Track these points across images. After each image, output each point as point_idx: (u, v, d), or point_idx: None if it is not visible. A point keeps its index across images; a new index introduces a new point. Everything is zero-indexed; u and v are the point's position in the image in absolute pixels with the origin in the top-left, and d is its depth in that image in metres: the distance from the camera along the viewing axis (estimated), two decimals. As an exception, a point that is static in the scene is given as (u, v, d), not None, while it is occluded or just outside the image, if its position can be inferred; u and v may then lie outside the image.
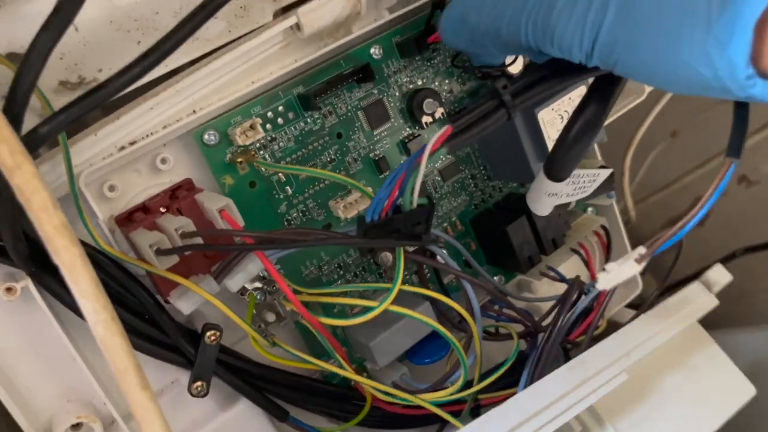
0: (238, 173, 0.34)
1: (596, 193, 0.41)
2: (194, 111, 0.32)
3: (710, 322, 0.38)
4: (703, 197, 0.30)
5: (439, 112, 0.39)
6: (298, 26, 0.33)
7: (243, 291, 0.33)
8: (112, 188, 0.32)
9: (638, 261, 0.32)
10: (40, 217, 0.21)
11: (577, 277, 0.39)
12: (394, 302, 0.32)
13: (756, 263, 0.60)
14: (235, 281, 0.31)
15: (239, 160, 0.34)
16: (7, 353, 0.31)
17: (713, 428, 0.36)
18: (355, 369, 0.36)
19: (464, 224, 0.43)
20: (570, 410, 0.32)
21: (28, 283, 0.30)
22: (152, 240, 0.28)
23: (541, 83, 0.31)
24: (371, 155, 0.38)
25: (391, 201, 0.30)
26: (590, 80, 0.32)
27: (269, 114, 0.35)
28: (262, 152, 0.35)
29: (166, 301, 0.33)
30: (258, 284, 0.34)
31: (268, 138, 0.35)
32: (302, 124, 0.36)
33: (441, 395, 0.35)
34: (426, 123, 0.39)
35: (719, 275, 0.38)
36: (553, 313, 0.39)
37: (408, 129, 0.39)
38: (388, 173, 0.39)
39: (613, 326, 0.41)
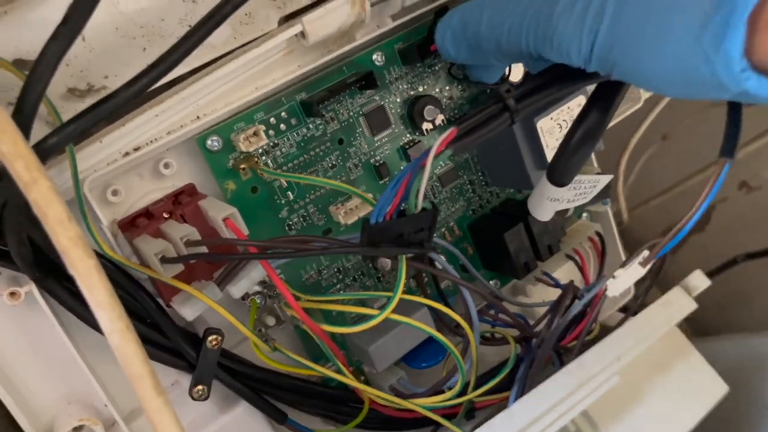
0: (240, 179, 0.35)
1: (592, 199, 0.42)
2: (198, 117, 0.32)
3: (711, 329, 0.39)
4: (701, 197, 0.31)
5: (440, 118, 0.39)
6: (303, 34, 0.33)
7: (245, 296, 0.33)
8: (115, 192, 0.32)
9: (643, 264, 0.33)
10: (56, 229, 0.21)
11: (571, 282, 0.40)
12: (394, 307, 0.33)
13: (758, 269, 0.61)
14: (239, 288, 0.31)
15: (242, 166, 0.34)
16: (10, 356, 0.31)
17: (691, 424, 0.38)
18: (353, 372, 0.37)
19: (462, 229, 0.43)
20: (570, 412, 0.33)
21: (32, 287, 0.30)
22: (158, 248, 0.29)
23: (543, 89, 0.32)
24: (372, 161, 0.39)
25: (396, 203, 0.31)
26: (591, 89, 0.33)
27: (272, 120, 0.35)
28: (264, 158, 0.35)
29: (168, 305, 0.33)
30: (259, 288, 0.35)
31: (271, 144, 0.35)
32: (304, 130, 0.36)
33: (438, 400, 0.35)
34: (426, 129, 0.39)
35: (698, 280, 0.39)
36: (547, 318, 0.40)
37: (408, 135, 0.40)
38: (388, 179, 0.39)
39: (606, 330, 0.42)
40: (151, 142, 0.31)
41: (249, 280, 0.31)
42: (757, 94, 0.22)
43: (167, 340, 0.33)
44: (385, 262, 0.40)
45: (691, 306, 0.39)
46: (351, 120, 0.38)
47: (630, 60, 0.25)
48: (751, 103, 0.24)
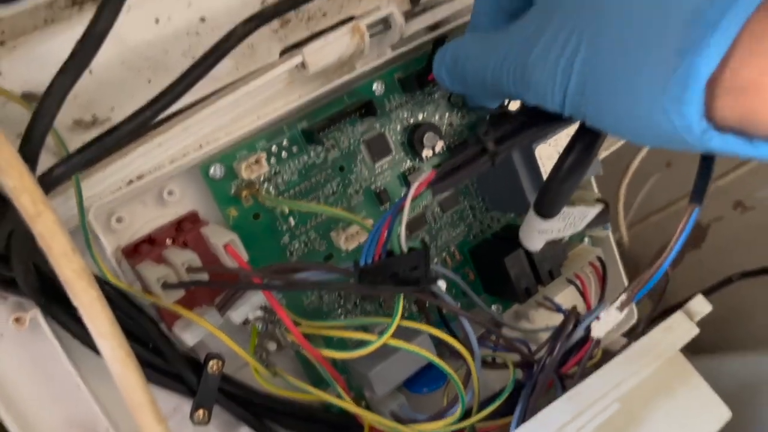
0: (242, 205, 0.35)
1: (592, 224, 0.42)
2: (201, 146, 0.33)
3: (706, 346, 0.40)
4: (670, 243, 0.31)
5: (440, 145, 0.40)
6: (303, 65, 0.33)
7: (246, 321, 0.34)
8: (119, 220, 0.33)
9: (620, 308, 0.34)
10: (60, 261, 0.22)
11: (574, 307, 0.40)
12: (393, 333, 0.33)
13: (752, 288, 0.61)
14: (239, 313, 0.32)
15: (244, 193, 0.35)
16: (15, 380, 0.31)
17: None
18: (354, 397, 0.37)
19: (463, 254, 0.44)
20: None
21: (37, 313, 0.30)
22: (159, 274, 0.29)
23: (522, 130, 0.32)
24: (372, 187, 0.39)
25: (380, 244, 0.31)
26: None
27: (273, 148, 0.36)
28: (266, 185, 0.36)
29: (170, 330, 0.33)
30: (260, 313, 0.35)
31: (273, 171, 0.36)
32: (305, 157, 0.37)
33: (439, 426, 0.35)
34: (426, 156, 0.40)
35: (700, 305, 0.40)
36: (549, 344, 0.40)
37: (409, 162, 0.40)
38: (389, 205, 0.40)
39: (608, 355, 0.42)
40: (155, 170, 0.32)
41: (249, 305, 0.32)
42: (723, 151, 0.22)
43: (169, 365, 0.33)
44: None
45: (693, 331, 0.39)
46: (352, 147, 0.38)
47: (599, 112, 0.25)
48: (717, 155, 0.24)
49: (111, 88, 0.31)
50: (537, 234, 0.36)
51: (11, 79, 0.29)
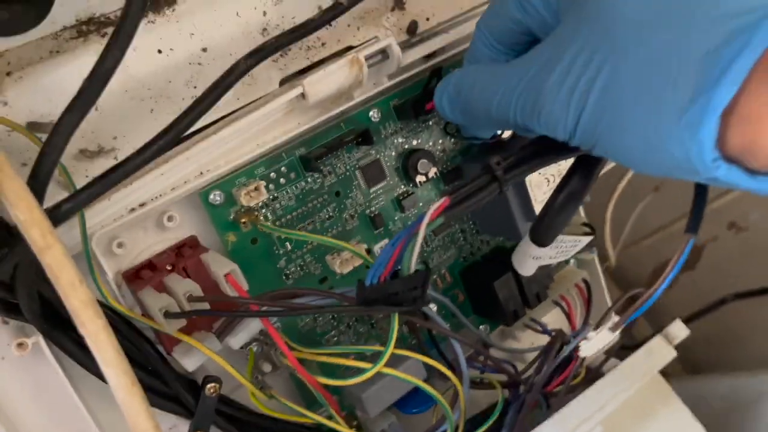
0: (240, 231, 0.36)
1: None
2: (201, 173, 0.34)
3: (702, 366, 0.41)
4: (665, 271, 0.33)
5: (432, 171, 0.41)
6: (303, 95, 0.34)
7: (243, 346, 0.35)
8: (120, 245, 0.34)
9: (612, 329, 0.35)
10: (67, 292, 0.23)
11: (560, 330, 0.42)
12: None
13: (746, 309, 0.63)
14: (237, 340, 0.33)
15: (243, 219, 0.35)
16: (16, 404, 0.32)
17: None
18: (346, 416, 0.38)
19: (453, 276, 0.45)
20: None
21: (39, 339, 0.31)
22: (161, 304, 0.30)
23: (530, 160, 0.33)
24: (367, 212, 0.40)
25: (390, 267, 0.32)
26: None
27: (272, 174, 0.36)
28: (264, 210, 0.37)
29: (168, 353, 0.34)
30: (257, 336, 0.36)
31: (271, 197, 0.37)
32: (303, 183, 0.38)
33: (427, 448, 0.36)
34: (420, 182, 0.41)
35: (678, 330, 0.41)
36: (536, 365, 0.41)
37: (403, 187, 0.41)
38: (383, 229, 0.41)
39: (590, 372, 0.44)
40: (156, 198, 0.33)
41: (247, 332, 0.33)
42: (725, 181, 0.24)
43: (167, 387, 0.34)
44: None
45: (670, 354, 0.41)
46: (348, 173, 0.39)
47: (611, 140, 0.26)
48: (719, 186, 0.25)
49: (115, 118, 0.32)
50: (531, 260, 0.37)
51: (17, 109, 0.29)
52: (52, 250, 0.23)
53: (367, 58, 0.35)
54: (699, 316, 0.61)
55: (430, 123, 0.42)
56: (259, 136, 0.35)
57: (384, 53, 0.37)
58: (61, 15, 0.30)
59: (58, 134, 0.26)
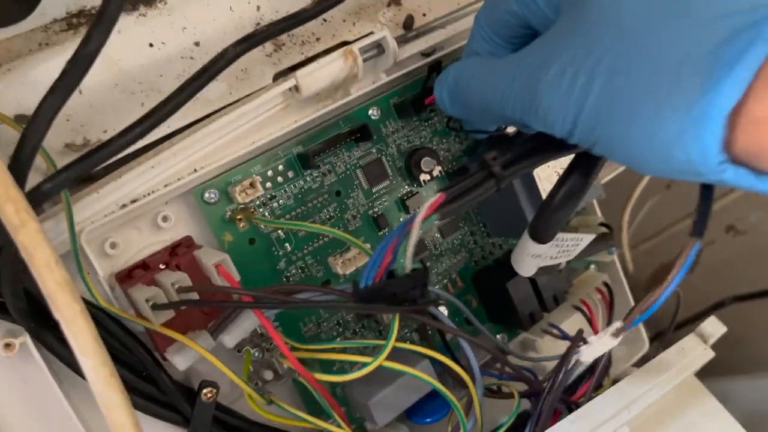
0: (237, 230, 0.35)
1: (597, 250, 0.42)
2: (195, 170, 0.33)
3: (704, 370, 0.39)
4: (670, 275, 0.31)
5: (437, 170, 0.40)
6: (296, 88, 0.34)
7: (240, 348, 0.33)
8: (113, 245, 0.33)
9: (615, 335, 0.33)
10: (42, 273, 0.21)
11: (580, 331, 0.39)
12: (394, 360, 0.32)
13: (745, 311, 0.61)
14: (231, 337, 0.31)
15: (239, 217, 0.34)
16: (3, 408, 0.30)
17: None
18: (354, 430, 0.35)
19: (465, 281, 0.43)
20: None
21: (27, 339, 0.30)
22: (148, 294, 0.29)
23: (528, 156, 0.32)
24: (370, 213, 0.39)
25: (384, 267, 0.31)
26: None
27: (269, 173, 0.36)
28: (261, 210, 0.36)
29: (164, 358, 0.33)
30: (257, 341, 0.34)
31: (268, 196, 0.36)
32: (301, 182, 0.37)
33: (441, 456, 0.34)
34: (424, 181, 0.40)
35: (714, 327, 0.38)
36: (554, 369, 0.39)
37: (406, 187, 0.40)
38: (387, 230, 0.39)
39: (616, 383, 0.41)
40: (148, 194, 0.32)
41: (242, 329, 0.31)
42: (733, 183, 0.22)
43: (162, 393, 0.32)
44: (387, 316, 0.39)
45: (707, 355, 0.38)
46: (348, 172, 0.38)
47: (611, 139, 0.25)
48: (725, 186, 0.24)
49: (104, 111, 0.31)
50: (530, 258, 0.35)
51: (5, 101, 0.29)
52: (26, 227, 0.22)
53: (361, 51, 0.35)
54: (697, 318, 0.59)
55: (433, 121, 0.41)
56: (255, 132, 0.35)
57: (379, 47, 0.36)
58: (51, 7, 0.30)
59: (40, 117, 0.25)
